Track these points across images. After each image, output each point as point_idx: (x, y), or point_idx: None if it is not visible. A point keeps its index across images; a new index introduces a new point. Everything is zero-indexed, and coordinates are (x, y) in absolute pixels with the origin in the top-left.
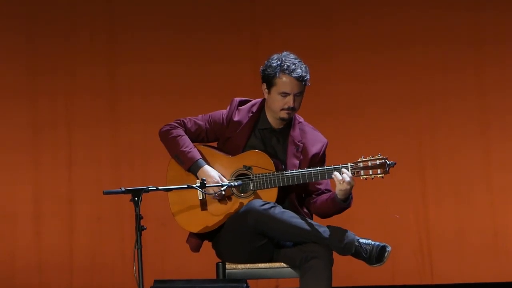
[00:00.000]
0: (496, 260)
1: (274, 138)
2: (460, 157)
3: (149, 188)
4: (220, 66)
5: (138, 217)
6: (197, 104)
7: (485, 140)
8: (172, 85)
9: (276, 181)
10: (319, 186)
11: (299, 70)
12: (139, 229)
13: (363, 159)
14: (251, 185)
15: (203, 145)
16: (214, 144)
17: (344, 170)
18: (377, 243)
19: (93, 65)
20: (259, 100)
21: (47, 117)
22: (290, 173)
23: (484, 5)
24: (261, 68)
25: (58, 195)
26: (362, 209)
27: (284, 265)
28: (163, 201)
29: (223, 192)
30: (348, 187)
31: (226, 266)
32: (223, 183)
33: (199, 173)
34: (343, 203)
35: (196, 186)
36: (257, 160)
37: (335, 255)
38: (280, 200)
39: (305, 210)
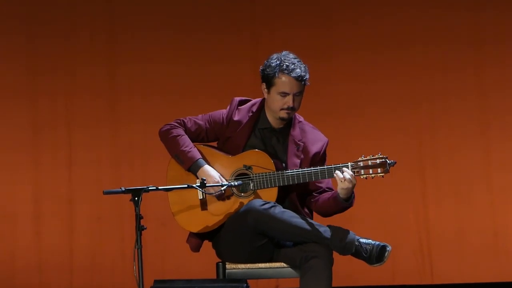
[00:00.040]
0: (496, 260)
1: (274, 138)
2: (460, 157)
3: (149, 188)
4: (220, 66)
5: (138, 217)
6: (197, 104)
7: (485, 140)
8: (172, 85)
9: (276, 180)
10: (320, 185)
11: (298, 70)
12: (139, 229)
13: (364, 159)
14: (251, 184)
15: (203, 144)
16: (214, 144)
17: (345, 168)
18: (377, 242)
19: (93, 65)
20: (259, 99)
21: (47, 117)
22: (290, 172)
23: (484, 5)
24: (261, 68)
25: (58, 195)
26: (362, 209)
27: (284, 265)
28: (163, 201)
29: (223, 191)
30: (350, 185)
31: (226, 266)
32: (223, 183)
33: (199, 173)
34: (345, 202)
35: (196, 186)
36: (257, 160)
37: (335, 254)
38: (280, 200)
39: (306, 210)
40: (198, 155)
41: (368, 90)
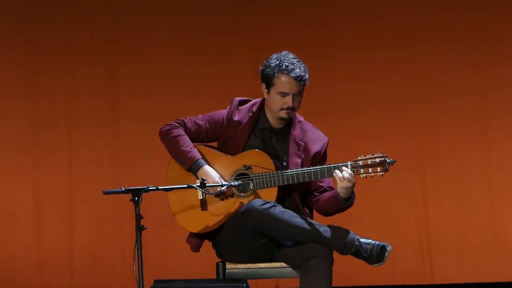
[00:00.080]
0: (496, 260)
1: (274, 138)
2: (460, 157)
3: (149, 188)
4: (220, 66)
5: (138, 217)
6: (197, 104)
7: (485, 140)
8: (172, 85)
9: (276, 180)
10: (321, 184)
11: (297, 70)
12: (139, 228)
13: (363, 158)
14: (251, 184)
15: (203, 145)
16: (214, 144)
17: (344, 168)
18: (378, 242)
19: (93, 65)
20: (259, 99)
21: (47, 117)
22: (290, 172)
23: (484, 5)
24: (260, 68)
25: (58, 195)
26: (363, 209)
27: (284, 265)
28: (163, 201)
29: (224, 191)
30: (350, 184)
31: (226, 266)
32: (223, 183)
33: (199, 173)
34: (346, 201)
35: (196, 186)
36: (257, 160)
37: (335, 254)
38: (280, 200)
39: (306, 209)
40: (198, 155)
41: (368, 90)
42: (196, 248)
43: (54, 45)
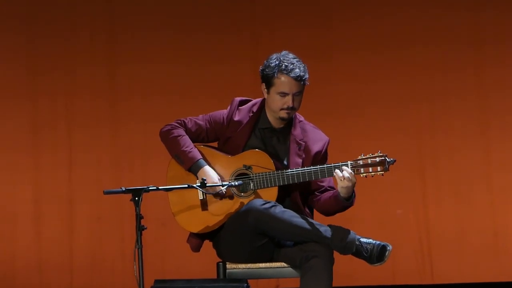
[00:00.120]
0: (496, 260)
1: (275, 138)
2: (460, 157)
3: (150, 188)
4: (220, 66)
5: (139, 217)
6: (197, 104)
7: (485, 140)
8: (172, 85)
9: (276, 180)
10: (322, 184)
11: (297, 70)
12: (140, 228)
13: (363, 157)
14: (251, 184)
15: (203, 145)
16: (215, 144)
17: (344, 167)
18: (378, 242)
19: (93, 65)
20: (259, 99)
21: (47, 117)
22: (290, 172)
23: (484, 5)
24: (260, 68)
25: (58, 195)
26: (363, 209)
27: (285, 264)
28: (163, 201)
29: (224, 191)
30: (350, 184)
31: (227, 265)
32: (224, 183)
33: (199, 173)
34: (346, 201)
35: (197, 185)
36: (257, 160)
37: (335, 254)
38: (281, 199)
39: (306, 209)
40: (199, 156)
41: (368, 90)
42: (196, 248)
43: (54, 45)
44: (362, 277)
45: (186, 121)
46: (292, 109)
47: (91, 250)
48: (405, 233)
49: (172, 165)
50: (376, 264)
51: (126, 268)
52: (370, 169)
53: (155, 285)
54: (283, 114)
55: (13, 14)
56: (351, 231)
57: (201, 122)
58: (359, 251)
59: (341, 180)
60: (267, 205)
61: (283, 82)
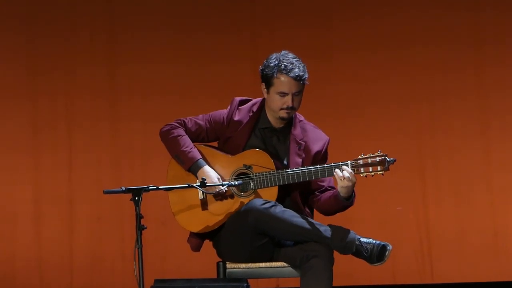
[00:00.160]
0: (496, 260)
1: (275, 137)
2: (460, 157)
3: (150, 188)
4: (220, 66)
5: (139, 216)
6: (197, 104)
7: (485, 140)
8: (172, 85)
9: (277, 179)
10: (322, 184)
11: (296, 70)
12: (140, 228)
13: (363, 156)
14: (251, 184)
15: (204, 145)
16: (215, 144)
17: (344, 167)
18: (378, 242)
19: (93, 65)
20: (259, 99)
21: (47, 117)
22: (290, 171)
23: (484, 5)
24: (260, 67)
25: (58, 195)
26: (363, 208)
27: (285, 264)
28: (163, 200)
29: (224, 191)
30: (350, 184)
31: (227, 265)
32: (224, 182)
33: (199, 173)
34: (346, 201)
35: (197, 185)
36: (257, 159)
37: (335, 254)
38: (281, 199)
39: (307, 209)
40: (199, 156)
41: (368, 90)
42: (196, 248)
43: (54, 45)
44: (362, 277)
45: (186, 121)
46: (292, 109)
47: (91, 250)
48: (405, 233)
49: (172, 165)
50: (376, 264)
51: (126, 268)
52: (370, 169)
53: (155, 285)
54: (283, 114)
55: (13, 14)
56: (351, 231)
57: (201, 122)
58: (359, 251)
59: (341, 179)
60: (267, 205)
61: (282, 82)
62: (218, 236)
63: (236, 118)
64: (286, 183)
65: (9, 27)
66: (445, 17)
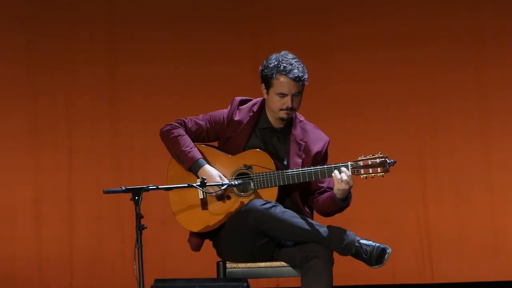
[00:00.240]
0: (496, 260)
1: (275, 138)
2: (460, 157)
3: (150, 187)
4: (220, 66)
5: (139, 216)
6: (197, 104)
7: (485, 140)
8: (172, 85)
9: (277, 180)
10: (321, 185)
11: (295, 71)
12: (140, 228)
13: (363, 158)
14: (251, 184)
15: (204, 144)
16: (215, 143)
17: (343, 169)
18: (378, 244)
19: (93, 65)
20: (259, 99)
21: (47, 117)
22: (290, 172)
23: (484, 5)
24: (260, 68)
25: (58, 195)
26: (363, 209)
27: (285, 264)
28: (164, 200)
29: (224, 191)
30: (347, 187)
31: (227, 265)
32: (224, 182)
33: (200, 173)
34: (342, 202)
35: (197, 185)
36: (258, 159)
37: (335, 255)
38: (281, 199)
39: (307, 209)
40: (199, 155)
41: (368, 90)
42: (196, 248)
43: (54, 45)
44: (362, 277)
45: (186, 120)
46: (292, 109)
47: (91, 250)
48: (405, 233)
49: (173, 165)
50: (375, 267)
51: (126, 268)
52: (370, 170)
53: (155, 285)
54: (283, 114)
55: (13, 14)
56: (351, 232)
57: (201, 122)
58: (359, 253)
59: (338, 182)
60: (267, 205)
61: (281, 83)
62: (218, 236)
63: (237, 118)
64: (286, 183)
65: (9, 27)
66: (445, 17)
